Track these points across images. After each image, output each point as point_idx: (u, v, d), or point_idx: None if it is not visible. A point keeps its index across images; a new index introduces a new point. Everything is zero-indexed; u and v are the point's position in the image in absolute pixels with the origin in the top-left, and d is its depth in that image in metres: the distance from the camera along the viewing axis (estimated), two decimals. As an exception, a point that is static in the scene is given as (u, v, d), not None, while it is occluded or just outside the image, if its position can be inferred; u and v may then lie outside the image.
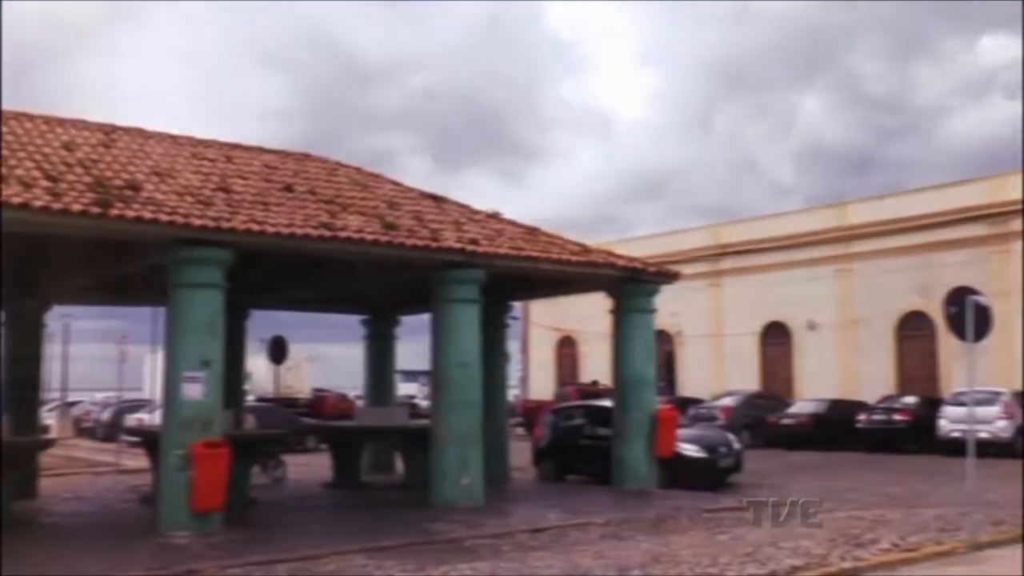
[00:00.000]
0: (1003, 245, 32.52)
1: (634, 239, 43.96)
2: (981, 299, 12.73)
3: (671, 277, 18.90)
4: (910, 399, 30.15)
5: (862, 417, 29.50)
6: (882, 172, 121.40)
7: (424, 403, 37.86)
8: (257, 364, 37.17)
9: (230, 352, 14.95)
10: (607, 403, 19.40)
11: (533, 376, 49.20)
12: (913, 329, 34.66)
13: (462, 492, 15.06)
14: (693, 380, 40.74)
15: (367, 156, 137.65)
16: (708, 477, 18.37)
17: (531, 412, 33.62)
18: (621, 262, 18.24)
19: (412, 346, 25.76)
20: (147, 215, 12.54)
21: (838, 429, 29.15)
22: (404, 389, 49.92)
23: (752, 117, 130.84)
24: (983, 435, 24.32)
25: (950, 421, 26.08)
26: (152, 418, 27.47)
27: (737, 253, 40.42)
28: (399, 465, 19.98)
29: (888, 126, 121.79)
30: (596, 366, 39.76)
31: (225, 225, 13.03)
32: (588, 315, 35.49)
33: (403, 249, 14.80)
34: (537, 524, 13.22)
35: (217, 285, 13.12)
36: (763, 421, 30.74)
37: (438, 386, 15.72)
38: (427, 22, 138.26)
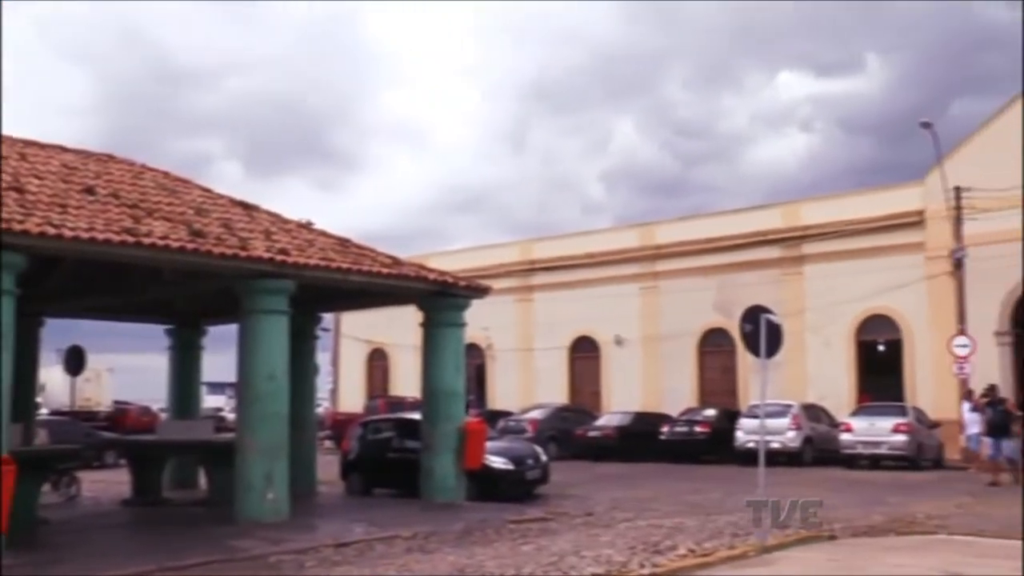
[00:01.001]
0: (796, 267, 34.48)
1: (449, 253, 44.19)
2: (773, 318, 13.42)
3: (481, 291, 19.08)
4: (710, 412, 31.50)
5: (665, 429, 30.62)
6: (690, 195, 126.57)
7: (231, 416, 36.87)
8: (52, 375, 35.44)
9: (21, 362, 14.15)
10: (416, 416, 19.41)
11: (343, 388, 48.67)
12: (714, 345, 36.21)
13: (267, 507, 14.72)
14: (503, 393, 41.24)
15: (178, 160, 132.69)
16: (515, 489, 18.65)
17: (340, 425, 33.25)
18: (432, 276, 18.30)
19: (219, 357, 25.04)
20: (-72, 215, 11.75)
21: (642, 441, 30.14)
22: (211, 401, 48.66)
23: (567, 136, 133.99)
24: (775, 445, 25.76)
25: (746, 432, 27.36)
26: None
27: (547, 269, 41.21)
28: (203, 481, 19.38)
29: (696, 151, 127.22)
30: (407, 379, 39.72)
31: (17, 227, 12.31)
32: (400, 327, 35.42)
33: (210, 257, 14.39)
34: (343, 538, 13.06)
35: (7, 291, 12.40)
36: (570, 433, 31.37)
37: (245, 398, 15.35)
38: (246, 25, 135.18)
